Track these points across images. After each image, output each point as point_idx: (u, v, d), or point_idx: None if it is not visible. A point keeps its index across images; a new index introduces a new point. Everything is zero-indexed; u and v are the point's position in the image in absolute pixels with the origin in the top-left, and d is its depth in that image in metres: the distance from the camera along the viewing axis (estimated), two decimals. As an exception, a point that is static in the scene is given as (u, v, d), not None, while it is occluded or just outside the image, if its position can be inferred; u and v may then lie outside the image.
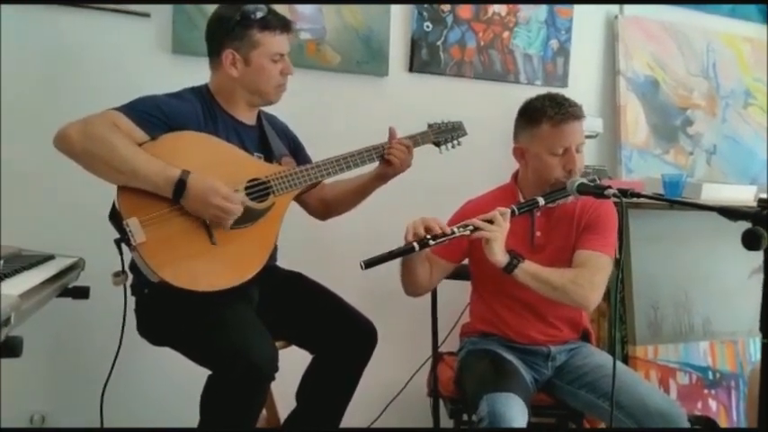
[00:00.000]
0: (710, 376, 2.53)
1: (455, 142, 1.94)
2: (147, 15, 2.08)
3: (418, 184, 2.15)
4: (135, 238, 1.51)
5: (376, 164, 1.83)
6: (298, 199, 1.85)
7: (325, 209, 1.93)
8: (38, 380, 2.02)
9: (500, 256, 1.60)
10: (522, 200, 1.76)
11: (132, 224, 1.51)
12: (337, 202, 1.91)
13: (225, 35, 1.67)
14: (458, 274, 1.92)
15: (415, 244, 1.55)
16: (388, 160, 1.80)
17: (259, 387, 1.57)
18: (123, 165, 1.50)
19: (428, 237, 1.56)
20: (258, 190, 1.65)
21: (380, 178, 1.84)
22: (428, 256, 1.75)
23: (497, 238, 1.59)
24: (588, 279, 1.68)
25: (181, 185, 1.52)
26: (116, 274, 1.60)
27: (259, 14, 1.67)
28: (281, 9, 1.94)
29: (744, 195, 2.55)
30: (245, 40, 1.67)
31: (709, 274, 2.57)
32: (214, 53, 1.71)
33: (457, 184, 2.06)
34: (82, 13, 2.01)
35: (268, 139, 1.78)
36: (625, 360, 2.37)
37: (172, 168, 1.52)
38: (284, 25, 1.71)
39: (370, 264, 1.50)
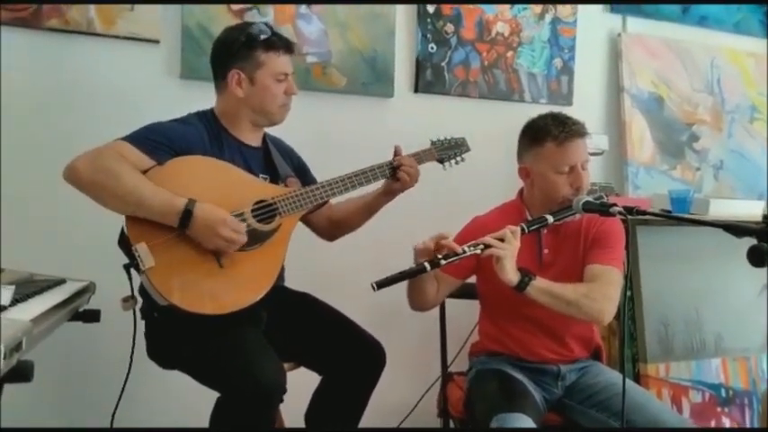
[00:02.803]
0: (723, 394, 2.49)
1: (459, 158, 1.95)
2: (156, 42, 2.12)
3: (423, 202, 2.15)
4: (144, 262, 1.52)
5: (380, 183, 1.84)
6: (305, 219, 1.86)
7: (332, 228, 1.94)
8: (48, 403, 2.02)
9: (511, 274, 1.59)
10: (529, 218, 1.76)
11: (141, 249, 1.52)
12: (345, 220, 1.92)
13: (230, 56, 1.70)
14: (466, 293, 1.92)
15: (427, 264, 1.55)
16: (397, 177, 1.81)
17: (267, 408, 1.57)
18: (129, 196, 1.52)
19: (439, 256, 1.56)
20: (265, 212, 1.66)
21: (388, 194, 1.85)
22: (436, 273, 1.74)
23: (508, 255, 1.58)
24: (602, 293, 1.67)
25: (187, 215, 1.53)
26: (125, 299, 1.61)
27: (263, 36, 1.70)
28: (285, 31, 1.98)
29: (752, 210, 2.54)
30: (250, 60, 1.69)
31: (720, 291, 2.54)
32: (219, 75, 1.73)
33: (463, 203, 2.06)
34: (91, 40, 2.04)
35: (273, 161, 1.80)
36: (636, 378, 2.35)
37: (178, 198, 1.54)
38: (287, 46, 1.74)
39: (381, 285, 1.50)
